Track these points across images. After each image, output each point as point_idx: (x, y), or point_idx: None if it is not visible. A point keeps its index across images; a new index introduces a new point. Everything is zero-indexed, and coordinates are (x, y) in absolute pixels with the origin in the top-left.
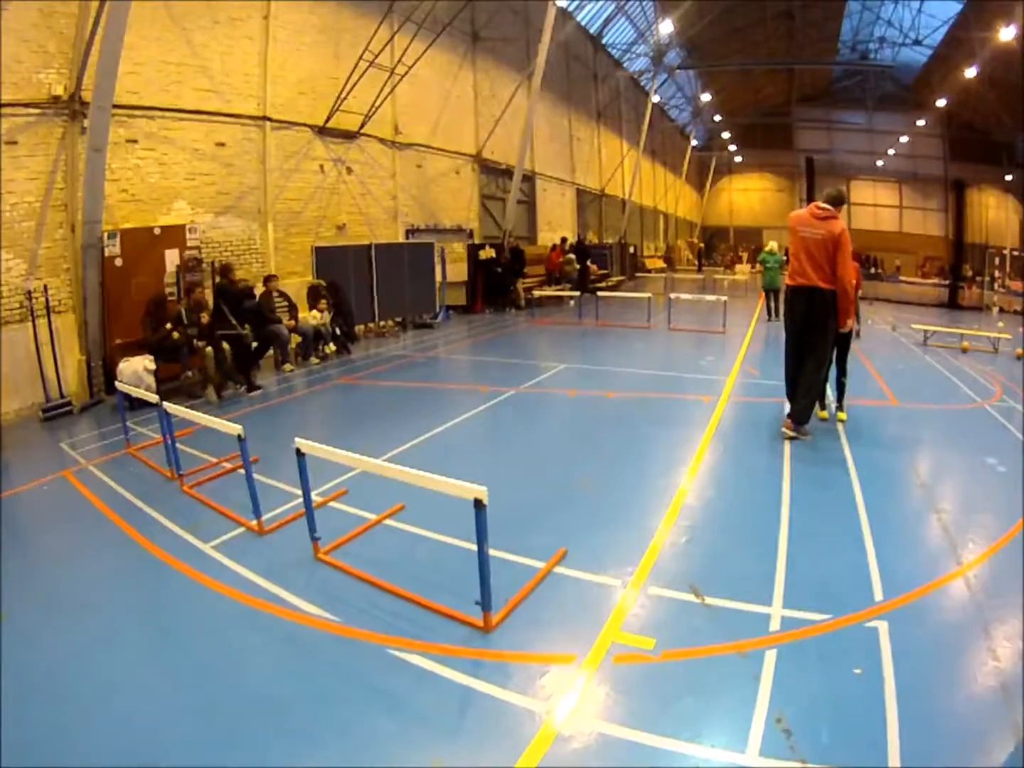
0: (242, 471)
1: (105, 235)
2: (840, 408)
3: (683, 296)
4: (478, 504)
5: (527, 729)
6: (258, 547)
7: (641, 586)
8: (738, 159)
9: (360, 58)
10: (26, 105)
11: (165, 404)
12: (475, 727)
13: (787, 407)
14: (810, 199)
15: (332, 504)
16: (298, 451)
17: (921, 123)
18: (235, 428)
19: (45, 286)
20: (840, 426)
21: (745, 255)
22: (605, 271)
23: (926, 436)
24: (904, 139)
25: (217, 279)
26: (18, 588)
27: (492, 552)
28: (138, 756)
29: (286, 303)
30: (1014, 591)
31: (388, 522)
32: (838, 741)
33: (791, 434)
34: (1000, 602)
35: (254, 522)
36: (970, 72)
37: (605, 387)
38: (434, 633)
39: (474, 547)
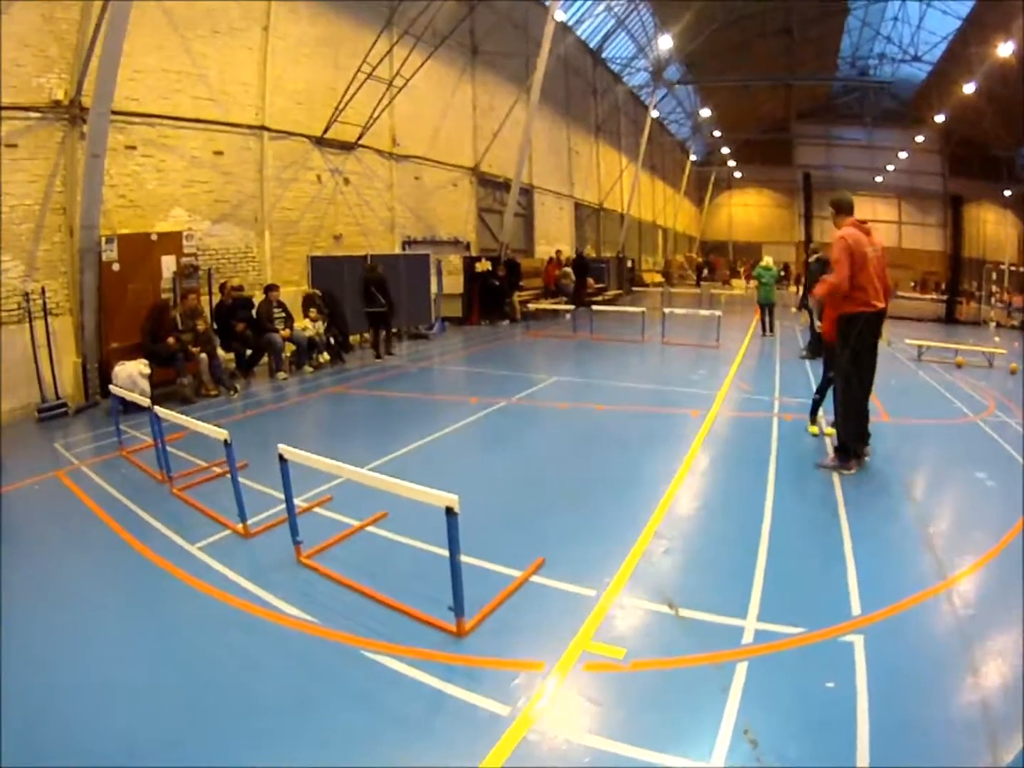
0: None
1: (103, 240)
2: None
3: (677, 311)
4: (449, 512)
5: (494, 732)
6: (242, 549)
7: (616, 597)
8: (737, 174)
9: (359, 69)
10: (27, 109)
11: (156, 408)
12: (443, 728)
13: (823, 429)
14: (808, 215)
15: (317, 510)
16: (281, 457)
17: (920, 139)
18: (221, 433)
19: (43, 288)
20: (828, 440)
21: (743, 269)
22: (602, 285)
23: (916, 451)
24: (903, 155)
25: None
26: (7, 584)
27: (472, 560)
28: (118, 755)
29: (283, 313)
30: (997, 606)
31: (370, 529)
32: (806, 753)
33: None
34: (982, 617)
35: (240, 525)
36: (969, 88)
37: (595, 400)
38: (408, 637)
39: None
